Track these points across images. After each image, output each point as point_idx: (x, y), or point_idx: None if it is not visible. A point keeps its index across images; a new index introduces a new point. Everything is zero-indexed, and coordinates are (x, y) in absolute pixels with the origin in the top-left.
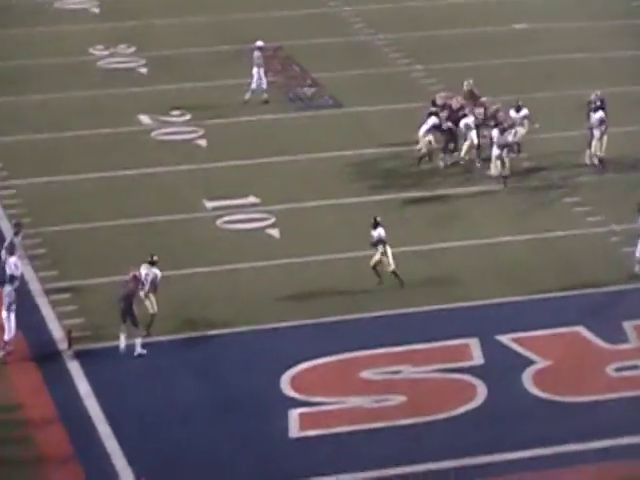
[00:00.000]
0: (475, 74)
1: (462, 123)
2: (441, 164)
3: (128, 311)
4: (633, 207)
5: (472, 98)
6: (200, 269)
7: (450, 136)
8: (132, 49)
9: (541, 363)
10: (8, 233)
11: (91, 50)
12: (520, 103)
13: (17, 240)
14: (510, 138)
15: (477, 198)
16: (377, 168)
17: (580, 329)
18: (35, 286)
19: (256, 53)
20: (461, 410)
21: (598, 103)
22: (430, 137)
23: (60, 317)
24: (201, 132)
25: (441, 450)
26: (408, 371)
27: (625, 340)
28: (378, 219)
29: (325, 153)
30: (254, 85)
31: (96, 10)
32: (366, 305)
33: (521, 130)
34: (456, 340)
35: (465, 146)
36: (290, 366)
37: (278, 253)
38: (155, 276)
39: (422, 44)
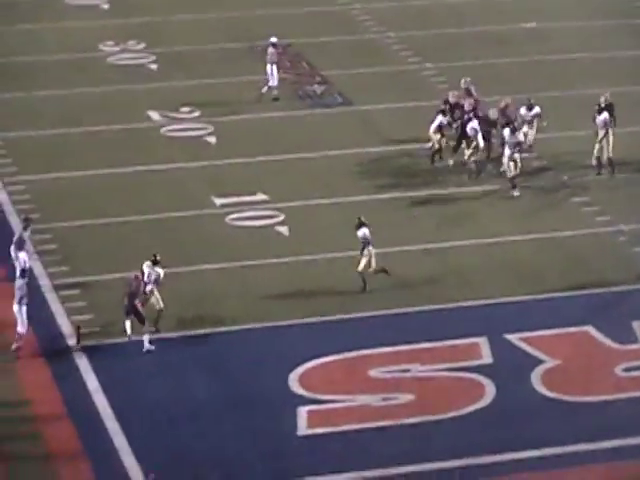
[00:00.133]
0: (484, 73)
1: (468, 127)
2: (451, 163)
3: (132, 309)
4: None
5: (469, 96)
6: (209, 266)
7: (462, 136)
8: (142, 45)
9: (550, 362)
10: (18, 229)
11: (101, 46)
12: (532, 101)
13: (26, 235)
14: (521, 137)
15: (486, 197)
16: (386, 166)
17: (589, 329)
18: (45, 282)
19: (270, 50)
20: (469, 409)
21: (602, 105)
22: (440, 135)
23: (69, 313)
24: (210, 129)
25: (449, 449)
26: (416, 370)
27: (634, 340)
28: (362, 219)
29: (334, 151)
30: (273, 82)
31: (106, 6)
32: (375, 303)
33: (531, 132)
34: (464, 339)
35: (471, 150)
36: (299, 364)
37: (287, 250)
38: (158, 275)
39: (432, 42)
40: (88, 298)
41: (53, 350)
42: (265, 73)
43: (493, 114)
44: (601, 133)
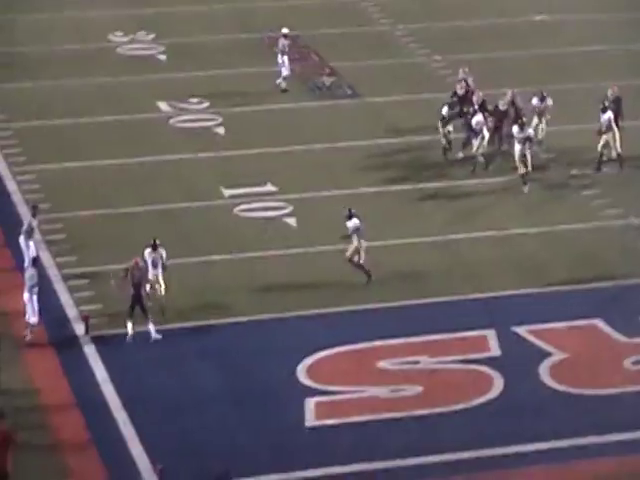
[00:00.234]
0: (494, 65)
1: (474, 121)
2: (460, 155)
3: (139, 299)
4: None
5: (467, 87)
6: (217, 257)
7: (470, 129)
8: (151, 36)
9: (558, 355)
10: (27, 218)
11: (110, 37)
12: (545, 93)
13: (35, 223)
14: (531, 132)
15: (495, 190)
16: (395, 158)
17: (597, 322)
18: (53, 272)
19: (281, 41)
20: (477, 401)
21: (606, 103)
22: (449, 127)
23: (78, 303)
24: (219, 120)
25: (457, 441)
26: (425, 361)
27: None
28: (352, 210)
29: (343, 143)
30: (284, 73)
31: None
32: (383, 295)
33: (542, 126)
34: (473, 331)
35: (477, 143)
36: (307, 355)
37: (295, 242)
38: (162, 257)
39: (441, 35)
40: (96, 288)
41: (61, 340)
42: (277, 64)
43: (503, 105)
44: (606, 133)
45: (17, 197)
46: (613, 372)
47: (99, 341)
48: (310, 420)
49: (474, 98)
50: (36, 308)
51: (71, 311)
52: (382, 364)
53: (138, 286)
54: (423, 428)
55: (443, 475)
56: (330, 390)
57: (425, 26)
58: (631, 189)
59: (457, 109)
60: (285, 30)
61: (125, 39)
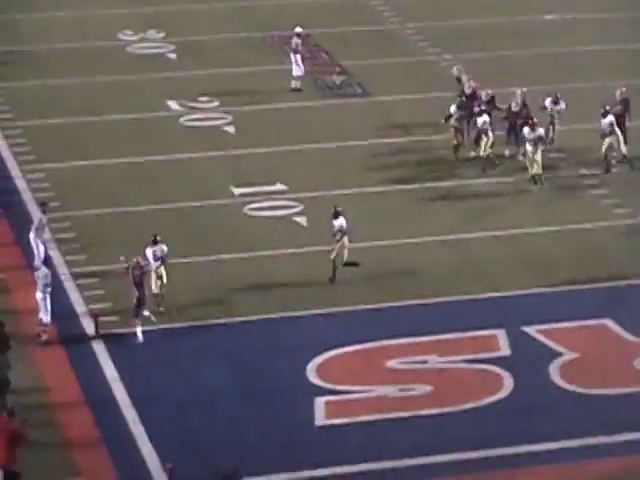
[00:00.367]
0: (504, 64)
1: (480, 120)
2: (472, 154)
3: (142, 296)
4: None
5: (459, 84)
6: (227, 255)
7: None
8: (161, 34)
9: (568, 355)
10: (37, 216)
11: (120, 35)
12: (559, 95)
13: (45, 220)
14: (542, 131)
15: (505, 189)
16: (404, 157)
17: (607, 321)
18: (63, 270)
19: (294, 40)
20: (487, 401)
21: (607, 107)
22: (457, 126)
23: (87, 301)
24: (229, 118)
25: (466, 441)
26: (434, 361)
27: None
28: (339, 209)
29: (353, 141)
30: (297, 72)
31: None
32: (393, 294)
33: (553, 127)
34: (483, 331)
35: (483, 143)
36: (316, 354)
37: (305, 240)
38: (162, 251)
39: (451, 33)
40: (106, 287)
41: (71, 338)
42: (288, 63)
43: (515, 107)
44: (609, 136)
45: (27, 196)
46: (623, 372)
47: (109, 339)
48: (320, 419)
49: (483, 96)
50: (49, 307)
51: (81, 309)
52: (391, 363)
53: (140, 285)
54: (432, 427)
55: (452, 474)
56: (339, 389)
57: (435, 25)
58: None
59: (466, 109)
60: (298, 29)
61: (135, 38)
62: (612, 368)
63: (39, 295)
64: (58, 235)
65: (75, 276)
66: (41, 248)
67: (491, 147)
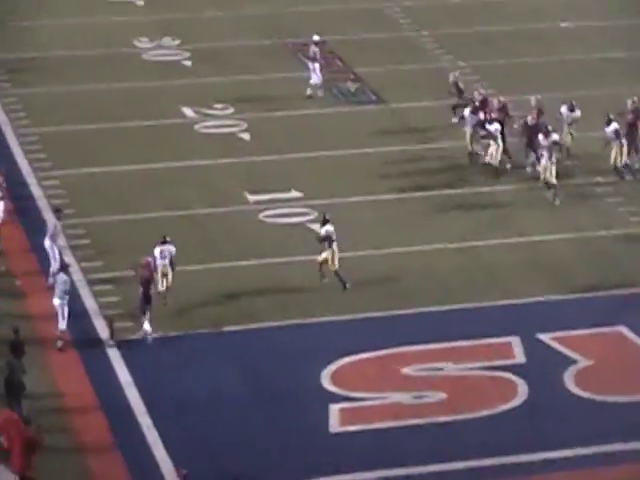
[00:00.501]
0: (519, 71)
1: (492, 127)
2: (486, 160)
3: (148, 297)
4: None
5: (457, 91)
6: (242, 262)
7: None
8: (177, 42)
9: (583, 362)
10: (52, 222)
11: (136, 42)
12: (574, 103)
13: (59, 226)
14: (556, 136)
15: (519, 196)
16: (419, 164)
17: (622, 328)
18: (78, 276)
19: (312, 48)
20: (502, 408)
21: (611, 116)
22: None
23: (102, 308)
24: (244, 125)
25: (481, 448)
26: (449, 368)
27: None
28: (327, 216)
29: (368, 149)
30: (315, 80)
31: (141, 2)
32: (408, 301)
33: (569, 137)
34: (497, 338)
35: (493, 150)
36: (331, 361)
37: (320, 247)
38: (170, 252)
39: (465, 40)
40: (121, 293)
41: (86, 344)
42: (306, 70)
43: (531, 120)
44: (613, 144)
45: (42, 202)
46: (638, 379)
47: (123, 345)
48: (334, 426)
49: (495, 103)
50: (66, 314)
51: (95, 315)
52: (406, 370)
53: (146, 284)
54: (447, 434)
55: None
56: (354, 396)
57: (450, 32)
58: None
59: (479, 115)
60: (316, 37)
61: (150, 45)
62: (627, 375)
63: (57, 301)
64: (73, 242)
65: (90, 282)
66: (57, 254)
67: (505, 152)
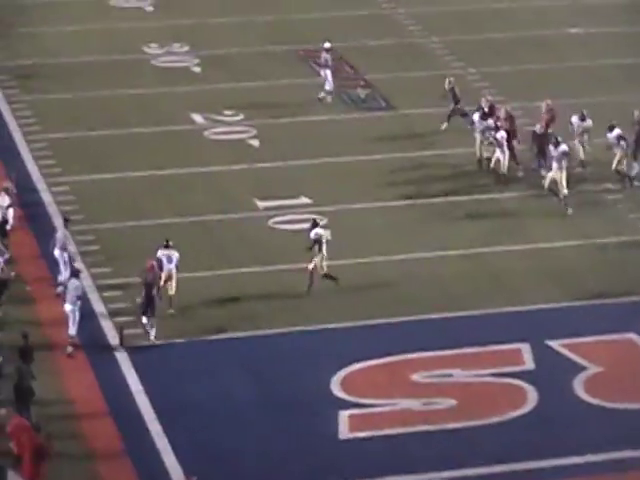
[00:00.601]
0: (529, 78)
1: (498, 135)
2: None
3: (151, 299)
4: None
5: (453, 97)
6: (251, 268)
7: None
8: (186, 48)
9: (592, 369)
10: (61, 229)
11: (145, 48)
12: (585, 112)
13: (67, 233)
14: (565, 147)
15: (528, 203)
16: (428, 171)
17: (632, 336)
18: (88, 282)
19: (323, 55)
20: (511, 415)
21: (614, 122)
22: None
23: (112, 314)
24: (254, 132)
25: (491, 454)
26: (458, 374)
27: None
28: (317, 220)
29: (377, 155)
30: (328, 87)
31: (150, 8)
32: (417, 308)
33: (581, 147)
34: (507, 345)
35: (501, 158)
36: (341, 367)
37: (329, 254)
38: (172, 257)
39: (476, 47)
40: (131, 299)
41: (96, 350)
42: (319, 77)
43: (540, 129)
44: (616, 149)
45: (52, 208)
46: None
47: (133, 352)
48: (343, 432)
49: (502, 112)
50: (77, 320)
51: (105, 321)
52: (415, 377)
53: (150, 287)
54: (456, 441)
55: None
56: (363, 403)
57: (460, 39)
58: None
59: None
60: (327, 44)
61: (160, 51)
62: (637, 382)
63: (68, 307)
64: (83, 248)
65: (100, 288)
66: (67, 261)
67: (513, 159)
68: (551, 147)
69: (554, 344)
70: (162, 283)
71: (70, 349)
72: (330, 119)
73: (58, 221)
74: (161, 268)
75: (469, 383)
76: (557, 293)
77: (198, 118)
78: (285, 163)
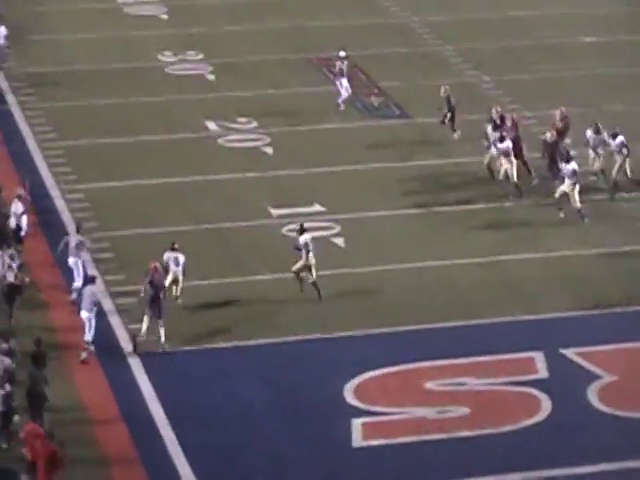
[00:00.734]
0: (543, 86)
1: (504, 146)
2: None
3: (157, 302)
4: None
5: (448, 105)
6: (265, 276)
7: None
8: (200, 56)
9: (606, 378)
10: (75, 236)
11: (159, 56)
12: (600, 125)
13: (78, 240)
14: (574, 165)
15: (543, 211)
16: (443, 179)
17: None
18: (101, 289)
19: (338, 63)
20: (525, 423)
21: (617, 129)
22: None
23: (126, 321)
24: (267, 140)
25: (504, 463)
26: (472, 383)
27: None
28: (305, 225)
29: (391, 163)
30: (346, 94)
31: (165, 16)
32: (430, 316)
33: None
34: (520, 353)
35: (508, 169)
36: (354, 375)
37: (343, 262)
38: (178, 260)
39: (490, 55)
40: (144, 306)
41: (109, 357)
42: (334, 86)
43: (550, 137)
44: (618, 157)
45: (66, 216)
46: None
47: (146, 358)
48: (357, 440)
49: (508, 122)
50: (93, 326)
51: (119, 329)
52: (429, 385)
53: (157, 289)
54: (470, 449)
55: None
56: (377, 411)
57: (474, 47)
58: None
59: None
60: (342, 53)
61: (174, 59)
62: None
63: (84, 314)
64: (97, 255)
65: (113, 295)
66: (82, 269)
67: (525, 167)
68: (563, 164)
69: (568, 352)
70: (167, 285)
71: (85, 355)
72: (343, 127)
73: (72, 228)
74: (167, 270)
75: (483, 391)
76: (571, 301)
77: (212, 125)
78: (299, 171)
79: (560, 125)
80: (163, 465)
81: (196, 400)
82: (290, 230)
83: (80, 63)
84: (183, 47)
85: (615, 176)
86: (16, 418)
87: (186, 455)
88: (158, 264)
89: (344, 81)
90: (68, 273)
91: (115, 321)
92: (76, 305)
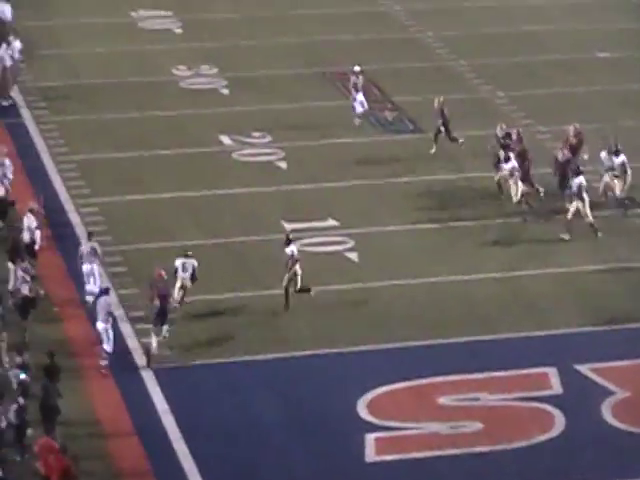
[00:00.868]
0: (557, 101)
1: (509, 166)
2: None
3: (164, 311)
4: None
5: (442, 117)
6: (278, 290)
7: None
8: (214, 70)
9: (620, 394)
10: (87, 247)
11: (174, 70)
12: (613, 145)
13: (90, 247)
14: (582, 180)
15: (557, 226)
16: (456, 194)
17: None
18: (114, 302)
19: (353, 78)
20: (539, 439)
21: (619, 146)
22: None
23: (139, 335)
24: (282, 154)
25: (518, 478)
26: (485, 398)
27: None
28: (290, 236)
29: (405, 177)
30: (362, 109)
31: (179, 30)
32: (444, 331)
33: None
34: (534, 369)
35: (513, 190)
36: (367, 390)
37: (356, 276)
38: (193, 265)
39: (504, 70)
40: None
41: (123, 370)
42: (350, 100)
43: (562, 157)
44: (621, 175)
45: (80, 229)
46: None
47: (160, 372)
48: (370, 455)
49: (514, 135)
50: (111, 336)
51: (133, 342)
52: (442, 400)
53: (163, 298)
54: (484, 465)
55: None
56: (390, 426)
57: (488, 62)
58: None
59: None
60: (357, 68)
61: (188, 73)
62: None
63: (101, 325)
64: (110, 269)
65: (127, 309)
66: (97, 274)
67: (528, 182)
68: (573, 179)
69: (582, 368)
70: (175, 290)
71: (105, 362)
72: (357, 142)
73: (83, 236)
74: (175, 276)
75: (496, 407)
76: (585, 317)
77: (226, 140)
78: (312, 185)
79: (574, 141)
80: (176, 478)
81: (209, 414)
82: (304, 244)
83: (95, 77)
84: (197, 61)
85: (620, 194)
86: (29, 432)
87: (199, 469)
88: (163, 271)
89: (359, 96)
90: (81, 286)
91: (129, 334)
92: (90, 309)
